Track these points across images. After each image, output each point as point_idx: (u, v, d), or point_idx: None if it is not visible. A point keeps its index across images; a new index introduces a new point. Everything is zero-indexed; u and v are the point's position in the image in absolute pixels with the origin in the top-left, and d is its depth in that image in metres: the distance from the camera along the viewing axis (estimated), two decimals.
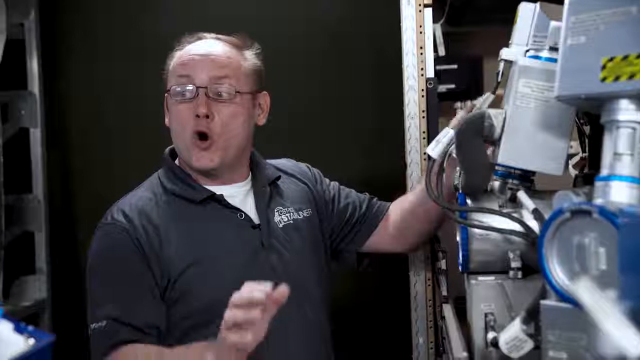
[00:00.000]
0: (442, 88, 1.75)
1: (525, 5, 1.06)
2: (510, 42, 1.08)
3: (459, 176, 1.06)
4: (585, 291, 0.66)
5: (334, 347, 1.47)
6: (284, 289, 1.04)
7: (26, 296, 2.17)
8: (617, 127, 0.77)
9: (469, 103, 1.38)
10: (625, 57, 0.74)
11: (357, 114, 2.22)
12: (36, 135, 2.21)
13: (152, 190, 1.37)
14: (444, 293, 1.45)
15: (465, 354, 0.98)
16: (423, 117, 1.65)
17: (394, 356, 1.98)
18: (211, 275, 1.29)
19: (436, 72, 1.68)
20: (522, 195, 0.97)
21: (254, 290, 1.04)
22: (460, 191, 1.05)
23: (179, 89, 1.34)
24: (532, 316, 0.81)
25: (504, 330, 0.86)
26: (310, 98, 2.21)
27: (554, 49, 0.97)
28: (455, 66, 1.81)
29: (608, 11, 0.76)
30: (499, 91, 1.31)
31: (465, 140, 1.03)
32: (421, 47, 1.65)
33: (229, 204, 1.36)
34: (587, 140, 1.26)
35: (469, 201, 1.04)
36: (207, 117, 1.31)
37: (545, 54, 1.00)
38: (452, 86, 1.80)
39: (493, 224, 0.98)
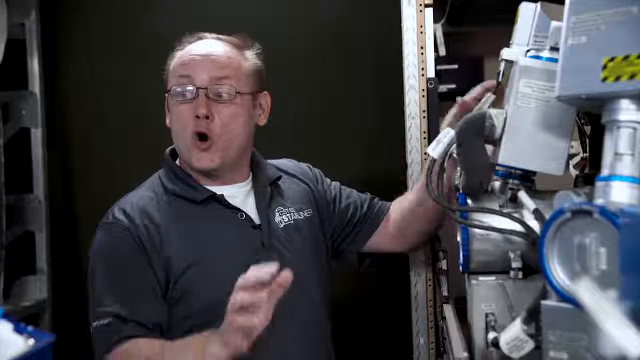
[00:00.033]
0: (443, 88, 1.75)
1: (526, 5, 1.06)
2: (511, 42, 1.08)
3: (460, 176, 1.07)
4: (586, 291, 0.66)
5: (335, 347, 1.47)
6: (287, 274, 1.05)
7: (27, 296, 2.17)
8: (617, 127, 0.76)
9: (459, 99, 1.38)
10: (626, 57, 0.74)
11: (357, 114, 2.22)
12: (37, 135, 2.21)
13: (152, 190, 1.37)
14: (445, 293, 1.45)
15: (465, 354, 0.98)
16: (424, 117, 1.65)
17: (395, 356, 1.98)
18: (211, 276, 1.29)
19: (437, 72, 1.68)
20: (522, 195, 0.97)
21: (259, 271, 1.05)
22: (461, 191, 1.05)
23: (179, 89, 1.34)
24: (533, 316, 0.81)
25: (505, 330, 0.86)
26: (310, 98, 2.21)
27: (554, 49, 0.97)
28: (456, 66, 1.82)
29: (609, 11, 0.76)
30: (487, 83, 1.31)
31: (466, 141, 1.03)
32: (422, 47, 1.65)
33: (230, 204, 1.36)
34: (587, 141, 1.25)
35: (469, 201, 1.04)
36: (207, 117, 1.31)
37: (546, 54, 1.00)
38: (453, 86, 1.80)
39: (494, 224, 0.98)
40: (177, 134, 1.36)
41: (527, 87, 0.99)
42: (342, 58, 2.21)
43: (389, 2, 1.78)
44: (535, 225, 0.93)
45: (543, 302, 0.76)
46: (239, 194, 1.40)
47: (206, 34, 1.41)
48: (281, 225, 1.40)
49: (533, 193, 0.99)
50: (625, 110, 0.76)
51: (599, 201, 0.75)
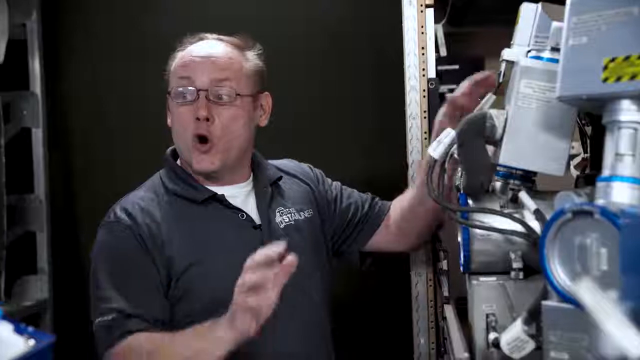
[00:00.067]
0: (444, 88, 1.74)
1: (527, 6, 1.06)
2: (511, 42, 1.08)
3: (461, 176, 1.07)
4: (586, 292, 0.66)
5: (335, 348, 1.47)
6: (293, 258, 1.08)
7: (28, 296, 2.17)
8: (618, 127, 0.76)
9: (448, 96, 1.38)
10: (627, 58, 0.74)
11: (357, 114, 2.22)
12: (38, 136, 2.21)
13: (153, 191, 1.38)
14: (446, 293, 1.45)
15: (466, 355, 0.98)
16: (424, 117, 1.65)
17: (395, 357, 1.98)
18: (212, 275, 1.29)
19: (438, 72, 1.68)
20: (523, 195, 0.97)
21: (268, 250, 1.08)
22: (462, 191, 1.05)
23: (179, 90, 1.34)
24: (534, 317, 0.81)
25: (506, 330, 0.86)
26: (310, 98, 2.21)
27: (555, 49, 0.97)
28: (457, 67, 1.81)
29: (610, 12, 0.76)
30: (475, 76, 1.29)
31: (466, 141, 1.03)
32: (423, 48, 1.65)
33: (231, 204, 1.37)
34: (588, 141, 1.25)
35: (470, 201, 1.04)
36: (208, 120, 1.31)
37: (546, 54, 1.00)
38: (454, 87, 1.79)
39: (495, 225, 0.98)
40: (177, 135, 1.36)
41: (528, 87, 0.99)
42: (342, 58, 2.21)
43: (389, 2, 1.78)
44: (536, 225, 0.93)
45: (544, 302, 0.76)
46: (240, 194, 1.40)
47: (207, 35, 1.41)
48: (282, 226, 1.40)
49: (534, 193, 0.99)
50: (626, 111, 0.76)
51: (599, 202, 0.75)
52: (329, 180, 1.57)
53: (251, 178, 1.44)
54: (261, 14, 2.23)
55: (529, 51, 1.03)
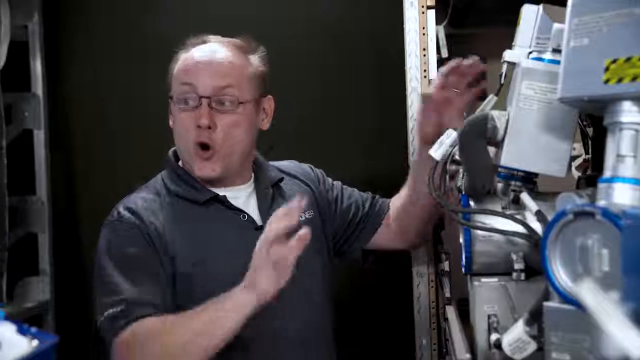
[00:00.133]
0: None
1: (528, 7, 1.06)
2: (513, 44, 1.08)
3: (462, 178, 1.07)
4: (588, 293, 0.66)
5: (337, 348, 1.47)
6: (306, 231, 1.11)
7: (30, 297, 2.17)
8: (620, 129, 0.76)
9: (423, 93, 1.39)
10: (628, 59, 0.74)
11: (357, 114, 2.22)
12: (40, 137, 2.21)
13: (155, 192, 1.38)
14: (447, 294, 1.46)
15: (468, 356, 0.98)
16: None
17: (397, 357, 1.98)
18: (214, 276, 1.29)
19: None
20: (525, 197, 0.97)
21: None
22: (464, 193, 1.05)
23: (181, 96, 1.33)
24: (535, 318, 0.81)
25: (507, 331, 0.86)
26: (310, 98, 2.21)
27: (557, 50, 0.97)
28: None
29: (611, 13, 0.76)
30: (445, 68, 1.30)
31: (468, 142, 1.03)
32: (424, 49, 1.65)
33: (232, 205, 1.37)
34: (590, 142, 1.26)
35: (472, 203, 1.04)
36: (209, 127, 1.31)
37: (548, 55, 1.00)
38: None
39: (496, 226, 0.98)
40: (179, 139, 1.36)
41: (529, 89, 0.99)
42: (343, 58, 2.22)
43: (389, 3, 1.78)
44: (537, 226, 0.93)
45: (545, 303, 0.76)
46: (241, 196, 1.40)
47: (210, 37, 1.40)
48: None
49: (535, 195, 0.99)
50: (628, 112, 0.76)
51: (601, 203, 0.75)
52: (330, 180, 1.57)
53: (252, 179, 1.44)
54: (261, 14, 2.23)
55: (530, 52, 1.03)
